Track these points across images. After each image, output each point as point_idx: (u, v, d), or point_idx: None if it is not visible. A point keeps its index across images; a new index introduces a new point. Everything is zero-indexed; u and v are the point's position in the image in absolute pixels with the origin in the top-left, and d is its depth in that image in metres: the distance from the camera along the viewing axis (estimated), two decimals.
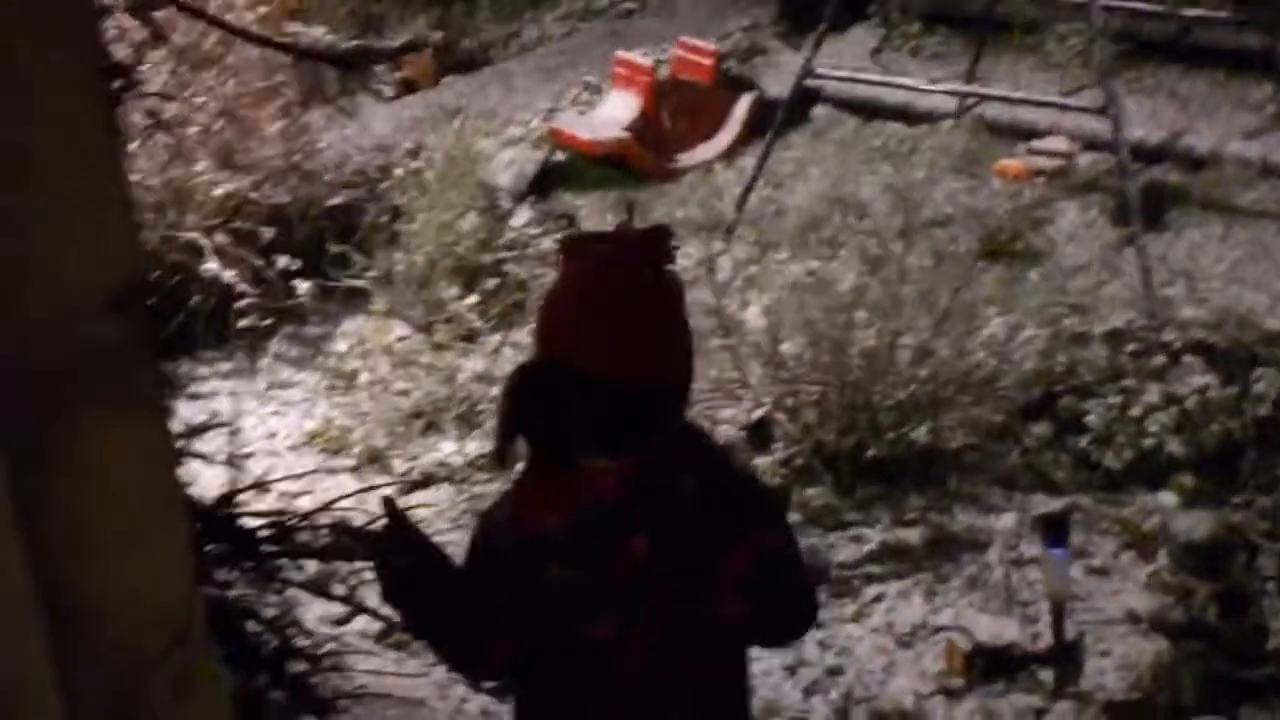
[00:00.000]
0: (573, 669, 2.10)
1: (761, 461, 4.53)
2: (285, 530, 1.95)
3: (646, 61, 8.12)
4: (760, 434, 4.71)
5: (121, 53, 5.29)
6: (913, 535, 4.54)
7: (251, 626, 1.94)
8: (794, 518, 4.56)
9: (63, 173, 1.01)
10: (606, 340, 1.97)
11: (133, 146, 5.63)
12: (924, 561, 4.43)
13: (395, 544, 2.11)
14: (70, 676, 1.04)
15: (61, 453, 1.04)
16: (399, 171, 6.81)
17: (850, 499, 4.74)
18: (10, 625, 1.01)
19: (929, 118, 8.03)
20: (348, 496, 3.17)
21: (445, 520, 4.84)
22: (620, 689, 2.08)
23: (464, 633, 2.12)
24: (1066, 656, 3.84)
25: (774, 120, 7.25)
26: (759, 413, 4.83)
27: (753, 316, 5.39)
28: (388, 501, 2.14)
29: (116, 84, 2.82)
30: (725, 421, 5.03)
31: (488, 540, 2.17)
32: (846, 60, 8.42)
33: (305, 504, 4.70)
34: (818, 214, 6.93)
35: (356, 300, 6.42)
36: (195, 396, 5.58)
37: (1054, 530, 3.82)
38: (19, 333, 0.99)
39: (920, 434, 4.88)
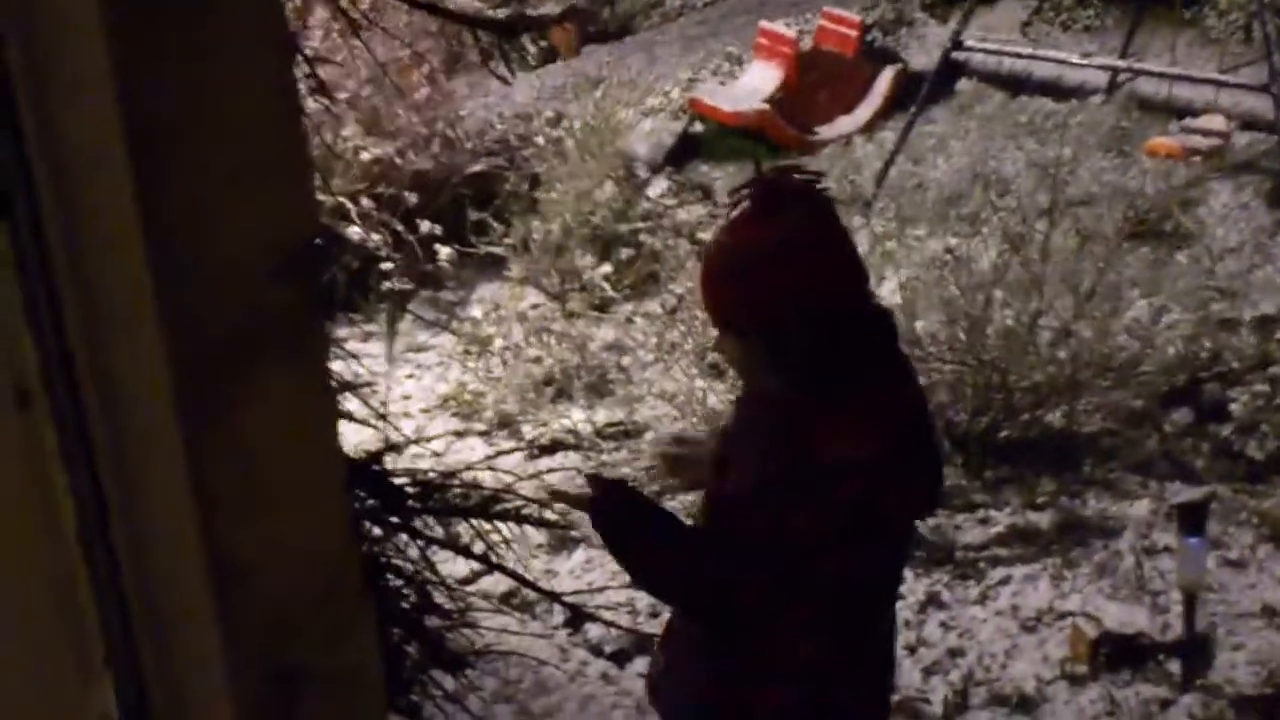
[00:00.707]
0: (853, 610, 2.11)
1: None
2: (429, 488, 2.03)
3: (789, 32, 8.07)
4: None
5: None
6: (1043, 519, 4.48)
7: (392, 581, 2.04)
8: None
9: (245, 133, 1.05)
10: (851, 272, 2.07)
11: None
12: (1053, 546, 4.37)
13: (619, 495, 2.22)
14: (229, 625, 1.10)
15: (233, 410, 1.09)
16: (539, 140, 6.91)
17: (980, 480, 4.69)
18: (182, 585, 1.08)
19: (1078, 93, 7.83)
20: (489, 459, 3.27)
21: (572, 487, 4.92)
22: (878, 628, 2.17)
23: (717, 570, 2.08)
24: (1196, 648, 3.76)
25: (917, 93, 7.15)
26: None
27: (889, 292, 5.35)
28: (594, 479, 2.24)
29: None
30: None
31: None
32: (995, 33, 8.25)
33: (438, 465, 4.87)
34: (959, 190, 6.83)
35: (493, 267, 6.55)
36: (337, 357, 5.76)
37: (1191, 519, 3.73)
38: (197, 293, 1.04)
39: (1056, 417, 4.80)
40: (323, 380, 1.16)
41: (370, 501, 1.93)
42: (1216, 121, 7.19)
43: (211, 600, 1.10)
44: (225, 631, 1.12)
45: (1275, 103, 5.89)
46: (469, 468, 2.37)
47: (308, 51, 6.22)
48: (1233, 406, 4.72)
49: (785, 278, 2.04)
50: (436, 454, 4.98)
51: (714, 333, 5.56)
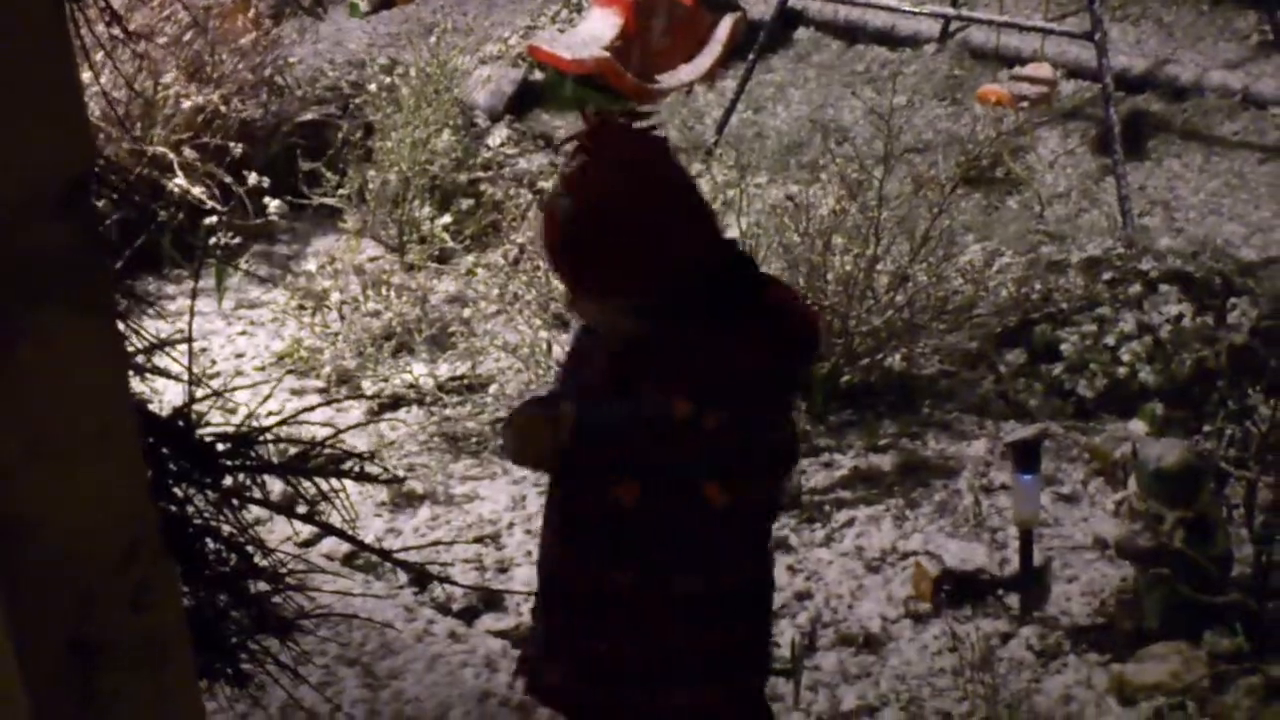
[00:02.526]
0: (595, 533, 2.20)
1: None
2: (246, 444, 1.92)
3: None
4: None
5: None
6: (885, 461, 4.55)
7: (211, 545, 1.92)
8: None
9: (8, 63, 0.96)
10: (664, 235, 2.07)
11: (98, 56, 5.49)
12: (895, 487, 4.44)
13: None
14: (21, 585, 1.01)
15: (10, 356, 1.00)
16: (373, 88, 6.68)
17: (823, 425, 4.74)
18: None
19: (912, 42, 7.95)
20: (310, 410, 3.13)
21: (415, 443, 4.82)
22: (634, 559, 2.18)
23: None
24: (1033, 582, 3.87)
25: (756, 42, 7.15)
26: None
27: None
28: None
29: None
30: None
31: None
32: None
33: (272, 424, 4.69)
34: (798, 138, 6.87)
35: (328, 219, 6.34)
36: (161, 315, 5.50)
37: (1024, 456, 3.83)
38: None
39: (895, 361, 4.87)
40: (108, 323, 1.06)
41: (180, 461, 1.81)
42: (1044, 70, 7.38)
43: None
44: (9, 596, 1.02)
45: (1097, 50, 6.05)
46: (288, 421, 2.25)
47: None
48: (1063, 347, 4.86)
49: (642, 235, 2.00)
50: (273, 413, 4.80)
51: (557, 284, 5.43)
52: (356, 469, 3.54)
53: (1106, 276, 5.11)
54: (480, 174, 6.48)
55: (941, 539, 4.13)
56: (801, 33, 8.15)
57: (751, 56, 7.09)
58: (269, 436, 1.92)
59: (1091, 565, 4.01)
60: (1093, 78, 6.87)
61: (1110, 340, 4.79)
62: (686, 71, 7.86)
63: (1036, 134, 6.90)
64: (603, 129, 2.05)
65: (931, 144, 6.74)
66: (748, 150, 6.67)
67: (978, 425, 4.75)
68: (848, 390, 4.81)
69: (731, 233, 5.38)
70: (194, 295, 2.43)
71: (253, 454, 1.85)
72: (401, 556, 3.79)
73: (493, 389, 5.03)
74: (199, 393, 1.99)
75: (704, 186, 5.84)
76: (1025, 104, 7.10)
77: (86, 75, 5.61)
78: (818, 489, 4.43)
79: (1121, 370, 4.70)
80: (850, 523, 4.27)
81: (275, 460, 1.99)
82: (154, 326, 4.76)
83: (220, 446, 1.86)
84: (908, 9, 7.21)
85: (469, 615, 3.94)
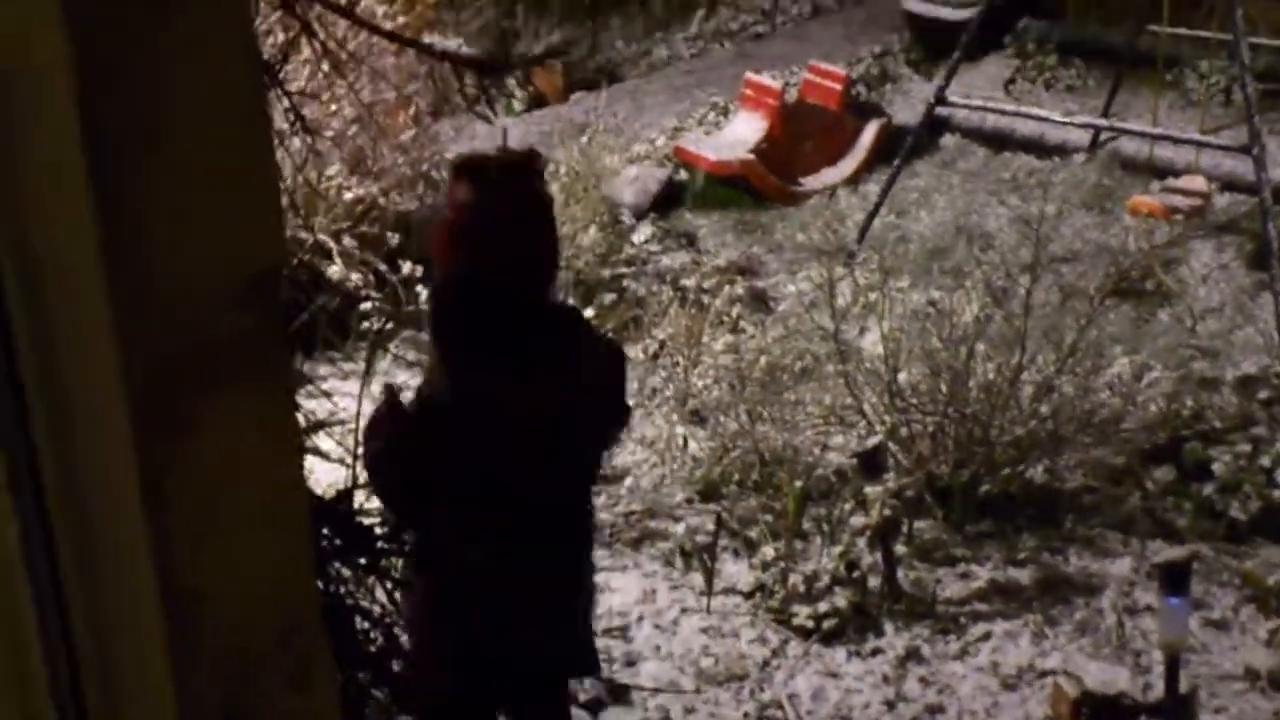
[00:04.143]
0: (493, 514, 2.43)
1: (872, 491, 4.47)
2: (397, 529, 1.99)
3: (775, 84, 8.11)
4: (872, 463, 4.65)
5: (267, 51, 5.44)
6: (1024, 575, 4.44)
7: (359, 623, 1.98)
8: (901, 550, 4.49)
9: (203, 157, 1.02)
10: (510, 251, 2.45)
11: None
12: (1034, 603, 4.32)
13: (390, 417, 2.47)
14: (184, 659, 1.06)
15: (188, 438, 1.05)
16: None
17: (961, 534, 4.65)
18: (132, 608, 1.03)
19: (1061, 151, 7.88)
20: None
21: None
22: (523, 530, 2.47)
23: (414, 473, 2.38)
24: (1178, 711, 3.71)
25: (901, 147, 7.18)
26: (872, 441, 4.77)
27: (871, 344, 5.34)
28: (388, 388, 2.53)
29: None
30: (836, 449, 4.98)
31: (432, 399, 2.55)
32: (978, 90, 8.31)
33: None
34: (942, 243, 6.84)
35: None
36: (315, 395, 5.70)
37: (1173, 579, 3.69)
38: (155, 315, 1.01)
39: (1037, 473, 4.77)
40: (284, 409, 1.11)
41: (336, 541, 1.87)
42: (1197, 182, 7.24)
43: (163, 632, 1.05)
44: (176, 666, 1.06)
45: (1255, 165, 5.92)
46: None
47: (292, 88, 6.21)
48: (1215, 466, 4.70)
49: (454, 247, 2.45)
50: None
51: (696, 380, 5.54)
52: None
53: (1262, 395, 4.94)
54: (624, 269, 6.60)
55: (1082, 659, 3.99)
56: (947, 139, 8.15)
57: (897, 161, 7.11)
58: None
59: (1242, 697, 3.82)
60: (1249, 191, 6.70)
61: (1266, 461, 4.62)
62: (830, 175, 7.92)
63: (1189, 247, 6.74)
64: (480, 159, 2.57)
65: (1079, 254, 6.63)
66: (890, 254, 6.66)
67: (1122, 543, 4.60)
68: (987, 501, 4.71)
69: (872, 336, 5.38)
70: (363, 376, 2.55)
71: (405, 537, 1.90)
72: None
73: (628, 481, 5.07)
74: (357, 474, 2.06)
75: (845, 289, 5.87)
76: (1178, 216, 6.96)
77: None
78: (953, 600, 4.34)
79: (1277, 493, 4.52)
80: (986, 637, 4.16)
81: None
82: (309, 406, 4.96)
83: (379, 530, 1.92)
84: (1057, 119, 7.18)
85: (595, 707, 3.93)
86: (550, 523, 2.53)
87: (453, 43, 8.21)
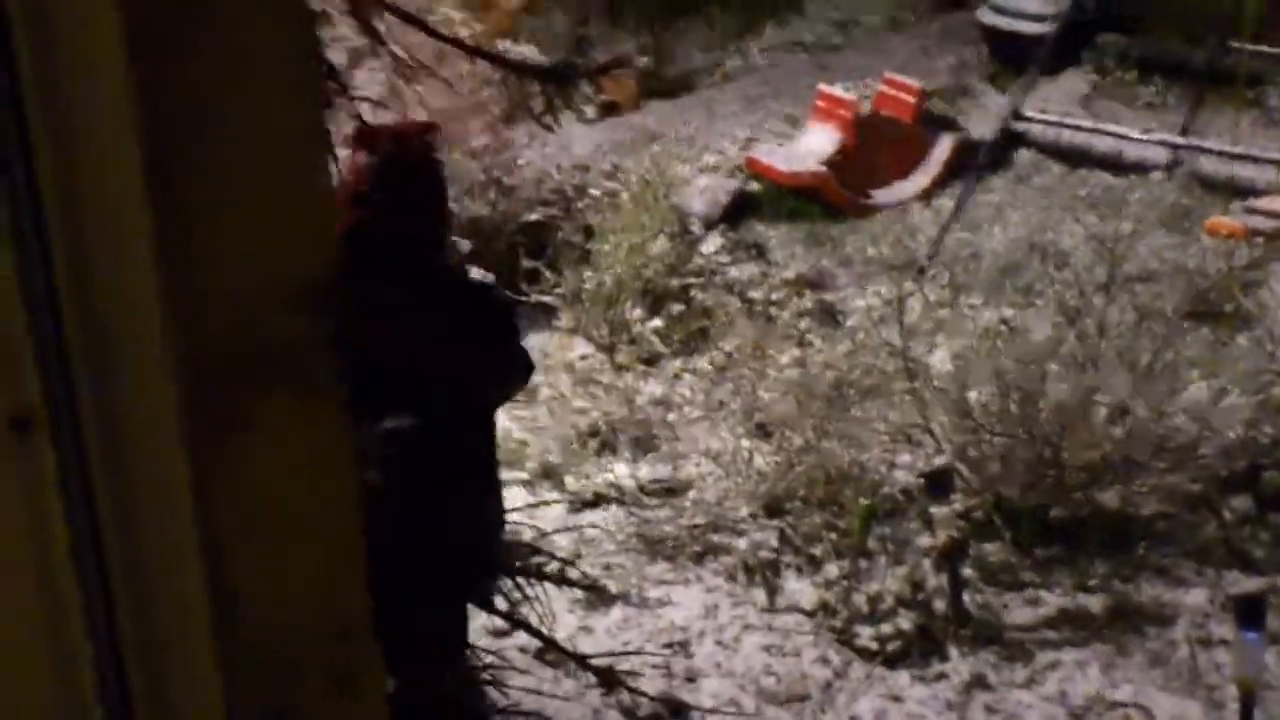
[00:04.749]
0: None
1: (939, 512, 4.41)
2: (504, 574, 1.99)
3: (848, 96, 8.05)
4: (939, 483, 4.59)
5: (337, 58, 5.50)
6: (1094, 603, 4.35)
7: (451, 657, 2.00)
8: (967, 573, 4.43)
9: (259, 160, 1.02)
10: (394, 212, 2.73)
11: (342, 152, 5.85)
12: (1104, 632, 4.24)
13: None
14: (231, 660, 1.06)
15: (238, 439, 1.06)
16: (594, 192, 6.90)
17: (1029, 559, 4.57)
18: (179, 609, 1.03)
19: (1139, 169, 7.74)
20: (515, 510, 3.22)
21: (612, 542, 4.86)
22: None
23: None
24: None
25: (975, 162, 7.10)
26: (940, 461, 4.72)
27: (940, 361, 5.27)
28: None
29: (329, 87, 3.02)
30: (903, 467, 4.92)
31: None
32: (1055, 105, 8.19)
33: None
34: (1015, 261, 6.74)
35: (543, 316, 6.52)
36: None
37: (1249, 612, 3.60)
38: (208, 319, 1.01)
39: (1110, 497, 4.67)
40: (337, 415, 1.11)
41: None
42: (1279, 203, 7.08)
43: (210, 634, 1.05)
44: (224, 668, 1.07)
45: None
46: None
47: (364, 95, 6.27)
48: None
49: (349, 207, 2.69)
50: None
51: (762, 393, 5.53)
52: (557, 571, 3.60)
53: None
54: (692, 280, 6.58)
55: (1153, 691, 3.91)
56: (1023, 155, 8.03)
57: (971, 176, 7.03)
58: None
59: None
60: None
61: None
62: (903, 188, 7.84)
63: (1270, 269, 6.59)
64: (375, 128, 2.96)
65: (1156, 274, 6.50)
66: (962, 270, 6.58)
67: (1197, 573, 4.50)
68: (1057, 525, 4.63)
69: (942, 353, 5.32)
70: None
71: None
72: (591, 659, 3.82)
73: (692, 494, 5.05)
74: None
75: (915, 304, 5.80)
76: (1259, 237, 6.80)
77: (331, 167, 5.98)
78: (1021, 626, 4.27)
79: None
80: (1054, 665, 4.08)
81: None
82: None
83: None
84: (1136, 135, 7.06)
85: None
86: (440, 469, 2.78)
87: (525, 50, 8.25)
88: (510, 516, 4.16)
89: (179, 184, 0.99)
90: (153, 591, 1.02)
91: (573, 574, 4.29)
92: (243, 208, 1.03)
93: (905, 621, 4.18)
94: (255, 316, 1.05)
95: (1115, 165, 7.80)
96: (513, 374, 3.03)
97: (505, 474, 5.37)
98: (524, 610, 3.86)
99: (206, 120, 1.00)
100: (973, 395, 4.76)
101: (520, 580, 3.55)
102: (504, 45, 7.92)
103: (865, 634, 4.18)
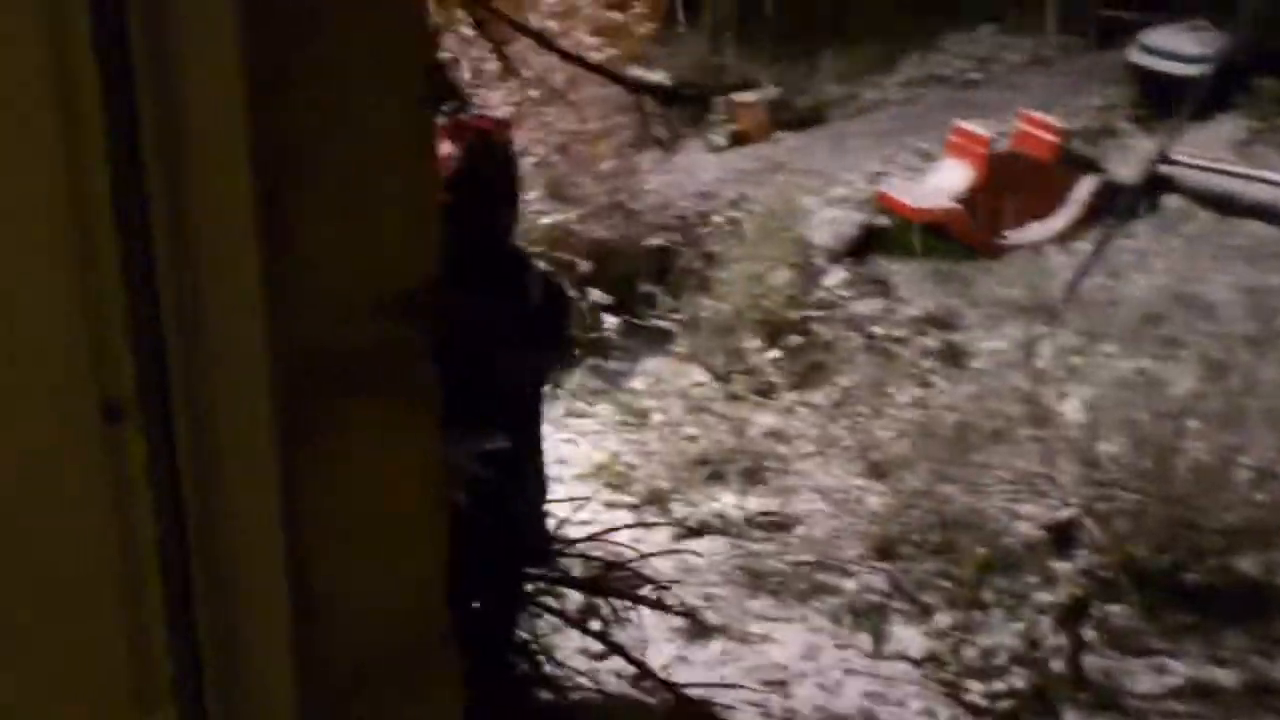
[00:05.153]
0: None
1: (1062, 567, 4.18)
2: (549, 555, 1.90)
3: (985, 133, 7.85)
4: (1063, 537, 4.36)
5: (471, 79, 5.53)
6: (1227, 676, 4.07)
7: (503, 647, 1.91)
8: (1089, 634, 4.19)
9: (368, 167, 1.00)
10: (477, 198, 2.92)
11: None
12: (1236, 708, 3.95)
13: None
14: (305, 660, 1.03)
15: (333, 440, 1.03)
16: (718, 219, 6.82)
17: (1158, 624, 4.31)
18: (259, 606, 1.00)
19: None
20: (616, 530, 3.13)
21: (716, 573, 4.73)
22: None
23: None
24: None
25: (1118, 206, 6.83)
26: (1065, 514, 4.49)
27: (1071, 410, 5.04)
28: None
29: (452, 104, 3.08)
30: (1025, 518, 4.70)
31: None
32: (1206, 150, 7.85)
33: (581, 532, 4.73)
34: (1157, 310, 6.45)
35: (660, 341, 6.46)
36: None
37: None
38: (300, 315, 0.98)
39: (1249, 565, 4.38)
40: (427, 423, 1.07)
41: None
42: None
43: (289, 638, 1.01)
44: (299, 667, 1.02)
45: None
46: (595, 537, 2.22)
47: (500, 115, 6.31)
48: None
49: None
50: (579, 523, 4.86)
51: (879, 432, 5.37)
52: (655, 596, 3.49)
53: None
54: (812, 313, 6.44)
55: None
56: (1169, 201, 7.73)
57: (1113, 220, 6.76)
58: (574, 551, 1.88)
59: None
60: None
61: None
62: (1038, 230, 7.60)
63: None
64: (464, 124, 3.12)
65: None
66: (1098, 317, 6.32)
67: None
68: (1189, 590, 4.36)
69: (1073, 401, 5.09)
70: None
71: (556, 564, 1.81)
72: (687, 690, 3.69)
73: (800, 530, 4.90)
74: None
75: (1046, 348, 5.58)
76: None
77: None
78: (1145, 695, 4.01)
79: None
80: None
81: (578, 574, 1.98)
82: None
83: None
84: None
85: None
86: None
87: (656, 76, 8.24)
88: (614, 537, 4.10)
89: (290, 189, 0.98)
90: (234, 591, 1.01)
91: (672, 601, 4.19)
92: (352, 215, 1.03)
93: (1019, 680, 3.96)
94: (355, 320, 1.05)
95: (1272, 215, 7.44)
96: (564, 354, 3.17)
97: (611, 496, 5.31)
98: (620, 634, 3.77)
99: (320, 132, 1.00)
100: (1104, 447, 4.54)
101: (617, 602, 3.45)
102: (635, 71, 7.91)
103: (975, 689, 3.97)
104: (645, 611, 3.83)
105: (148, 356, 0.92)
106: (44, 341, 0.90)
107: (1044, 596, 4.17)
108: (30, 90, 0.85)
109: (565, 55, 5.57)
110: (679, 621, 4.40)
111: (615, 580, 3.53)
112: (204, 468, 0.96)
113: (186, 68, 0.90)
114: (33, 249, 0.87)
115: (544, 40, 5.04)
